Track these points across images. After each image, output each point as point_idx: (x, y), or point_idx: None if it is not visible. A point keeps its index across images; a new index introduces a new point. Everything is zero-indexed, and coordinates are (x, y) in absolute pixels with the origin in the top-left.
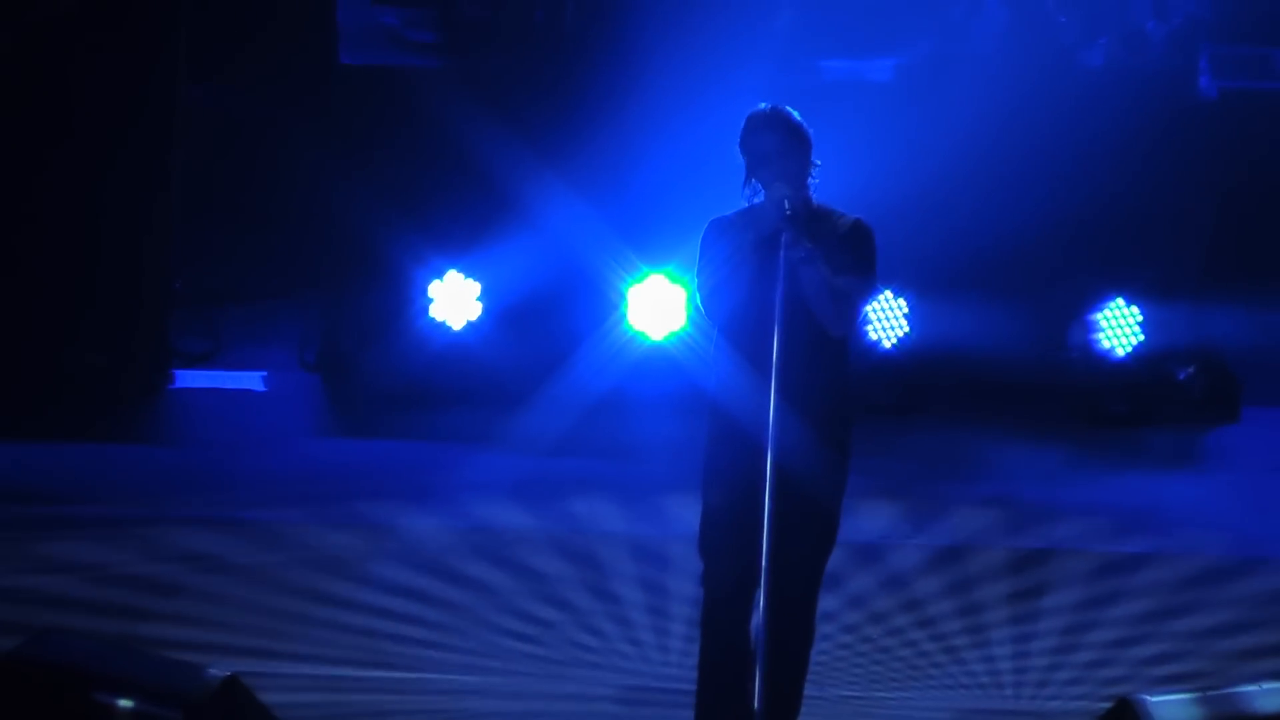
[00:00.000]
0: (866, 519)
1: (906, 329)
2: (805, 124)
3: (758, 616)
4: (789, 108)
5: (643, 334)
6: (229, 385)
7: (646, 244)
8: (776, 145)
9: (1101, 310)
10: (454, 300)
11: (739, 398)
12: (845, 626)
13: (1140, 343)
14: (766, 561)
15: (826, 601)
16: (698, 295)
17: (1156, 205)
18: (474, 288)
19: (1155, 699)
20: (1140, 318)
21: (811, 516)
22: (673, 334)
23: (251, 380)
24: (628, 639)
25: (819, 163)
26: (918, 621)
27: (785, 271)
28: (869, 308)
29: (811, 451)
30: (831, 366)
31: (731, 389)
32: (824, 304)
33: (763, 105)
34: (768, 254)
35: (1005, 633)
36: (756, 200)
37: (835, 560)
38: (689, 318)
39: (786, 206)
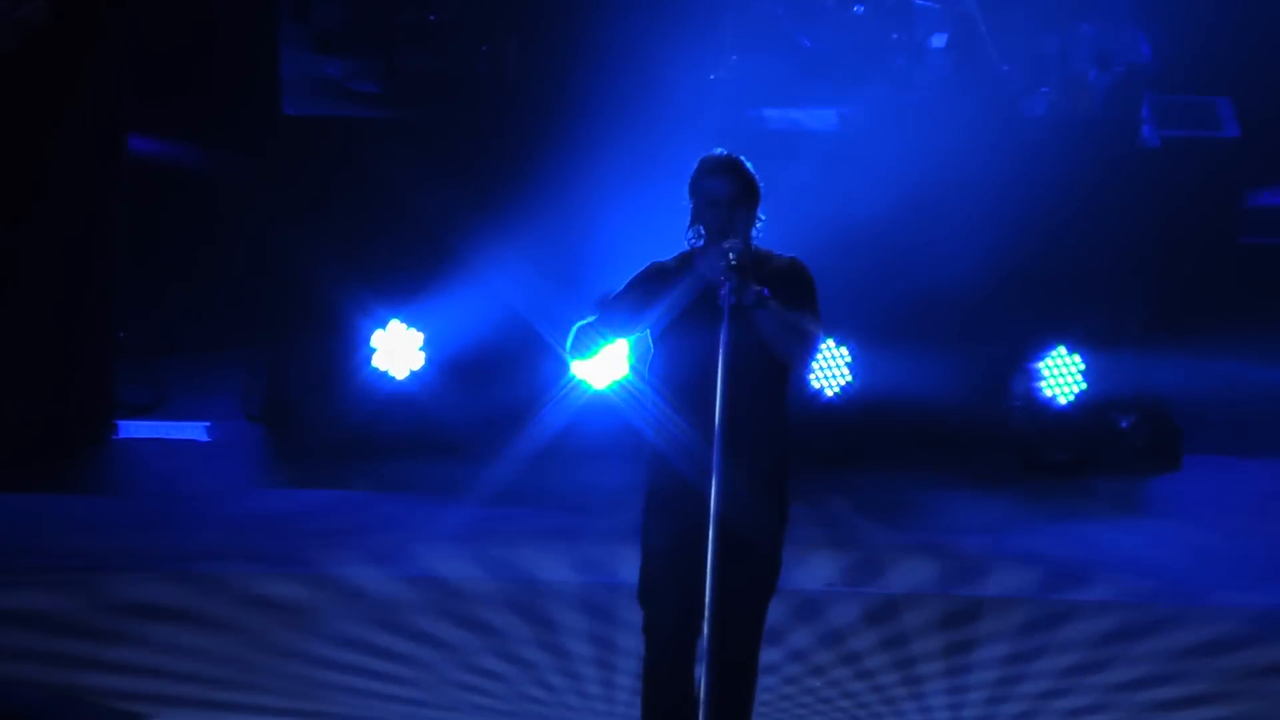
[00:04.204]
0: (808, 568)
1: (849, 378)
2: (756, 175)
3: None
4: (743, 157)
5: (585, 383)
6: (172, 436)
7: (587, 292)
8: (728, 192)
9: (1044, 359)
10: (397, 350)
11: (680, 446)
12: (786, 678)
13: (1082, 391)
14: (710, 609)
15: (768, 651)
16: (612, 313)
17: (1099, 254)
18: (417, 337)
19: None
20: (1082, 366)
21: (754, 562)
22: (615, 382)
23: (195, 431)
24: (573, 690)
25: (764, 217)
26: (857, 672)
27: (727, 320)
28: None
29: (753, 497)
30: (772, 413)
31: (672, 437)
32: (784, 342)
33: (719, 150)
34: (708, 303)
35: (944, 683)
36: (698, 244)
37: (776, 610)
38: (631, 367)
39: (732, 257)
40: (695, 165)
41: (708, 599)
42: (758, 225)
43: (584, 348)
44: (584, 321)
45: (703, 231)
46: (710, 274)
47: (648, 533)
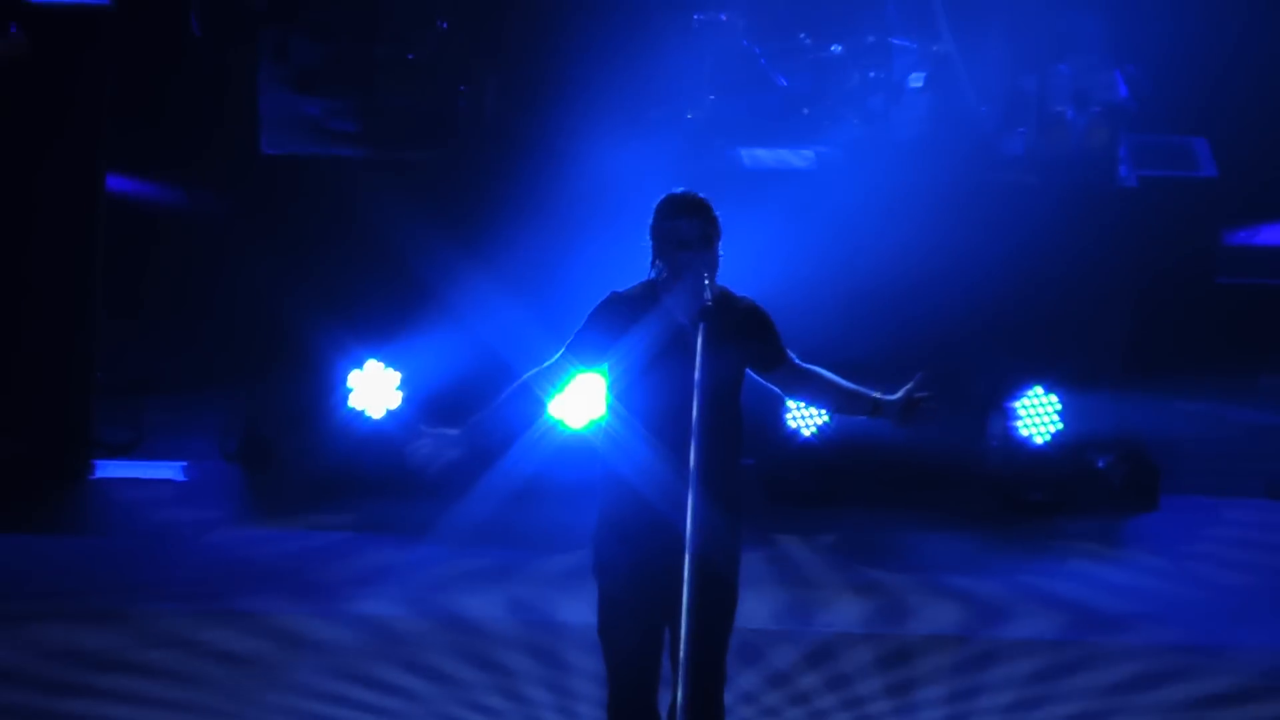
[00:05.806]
0: (784, 607)
1: (826, 417)
2: (716, 211)
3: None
4: (702, 194)
5: (562, 422)
6: (149, 475)
7: (565, 333)
8: (693, 232)
9: (1021, 398)
10: (374, 389)
11: (649, 476)
12: (764, 710)
13: (1059, 431)
14: (686, 641)
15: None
16: (573, 353)
17: (1076, 293)
18: (394, 377)
19: None
20: (1059, 406)
21: (719, 589)
22: (593, 422)
23: (172, 470)
24: None
25: (722, 254)
26: (829, 713)
27: (701, 360)
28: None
29: (718, 525)
30: (732, 443)
31: (642, 468)
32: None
33: (678, 189)
34: (678, 340)
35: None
36: (659, 280)
37: (751, 646)
38: (608, 405)
39: (707, 296)
40: (656, 207)
41: (684, 629)
42: (718, 261)
43: (538, 400)
44: (535, 371)
45: (666, 270)
46: (684, 315)
47: (607, 562)
